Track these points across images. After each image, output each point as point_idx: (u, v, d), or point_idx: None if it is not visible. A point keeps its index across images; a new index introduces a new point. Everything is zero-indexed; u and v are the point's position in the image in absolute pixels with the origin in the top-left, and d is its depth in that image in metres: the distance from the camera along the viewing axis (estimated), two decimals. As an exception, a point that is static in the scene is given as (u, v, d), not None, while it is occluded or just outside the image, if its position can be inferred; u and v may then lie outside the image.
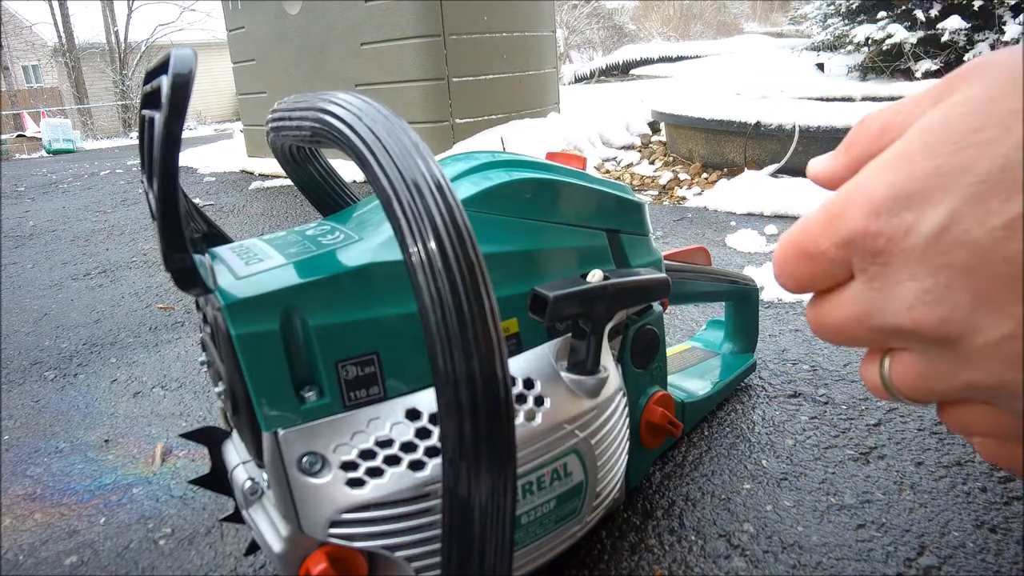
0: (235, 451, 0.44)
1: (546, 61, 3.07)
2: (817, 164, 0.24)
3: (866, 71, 4.47)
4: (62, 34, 13.75)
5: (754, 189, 1.71)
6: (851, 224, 0.20)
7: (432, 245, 0.27)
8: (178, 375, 0.93)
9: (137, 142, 0.42)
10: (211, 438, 0.45)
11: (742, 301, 0.77)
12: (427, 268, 0.27)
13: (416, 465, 0.38)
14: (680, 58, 8.25)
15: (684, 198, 1.93)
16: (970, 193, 0.18)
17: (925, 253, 0.19)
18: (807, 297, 0.96)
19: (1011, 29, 3.55)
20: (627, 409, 0.51)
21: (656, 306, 0.56)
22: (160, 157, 0.29)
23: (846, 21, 4.73)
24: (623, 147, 2.77)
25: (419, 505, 0.38)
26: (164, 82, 0.29)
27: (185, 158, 3.57)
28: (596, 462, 0.46)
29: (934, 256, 0.19)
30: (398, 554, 0.38)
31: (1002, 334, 0.18)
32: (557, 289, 0.41)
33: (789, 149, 1.89)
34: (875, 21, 4.24)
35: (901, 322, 0.20)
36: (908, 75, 4.02)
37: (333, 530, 0.37)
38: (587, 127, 2.75)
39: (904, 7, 4.04)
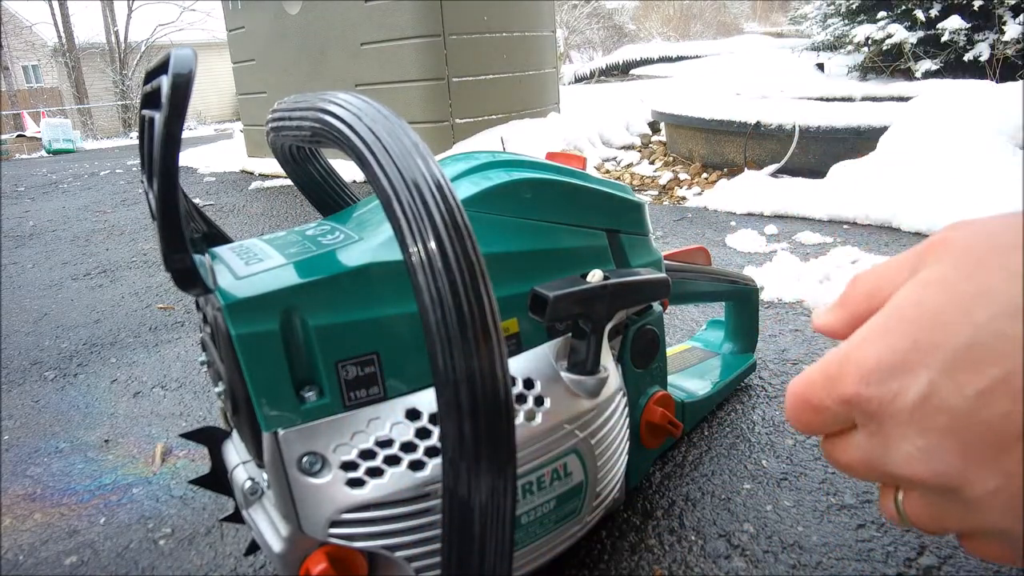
0: (235, 451, 0.44)
1: (546, 61, 3.07)
2: (820, 319, 0.27)
3: (866, 71, 4.47)
4: (62, 34, 13.75)
5: (754, 189, 1.72)
6: (847, 388, 0.23)
7: (432, 245, 0.27)
8: (178, 375, 0.93)
9: (137, 142, 0.42)
10: (211, 438, 0.45)
11: (742, 301, 0.77)
12: (427, 268, 0.27)
13: (416, 465, 0.38)
14: (680, 58, 8.25)
15: (684, 198, 1.93)
16: (943, 367, 0.21)
17: (912, 417, 0.21)
18: (806, 297, 0.96)
19: (1011, 29, 3.55)
20: (627, 409, 0.51)
21: (656, 306, 0.56)
22: (160, 157, 0.29)
23: (846, 21, 4.73)
24: (623, 147, 2.77)
25: (419, 505, 0.38)
26: (164, 82, 0.29)
27: (185, 158, 3.57)
28: (596, 462, 0.46)
29: (920, 420, 0.21)
30: (398, 554, 0.38)
31: (990, 488, 0.21)
32: (557, 289, 0.41)
33: (789, 149, 1.89)
34: (875, 21, 4.24)
35: (902, 473, 0.22)
36: (908, 75, 4.02)
37: (333, 530, 0.37)
38: (587, 127, 2.75)
39: (904, 7, 4.04)
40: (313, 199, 0.53)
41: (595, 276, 0.44)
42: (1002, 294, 0.20)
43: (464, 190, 0.44)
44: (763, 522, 0.55)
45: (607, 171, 2.41)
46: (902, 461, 0.22)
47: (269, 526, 0.39)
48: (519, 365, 0.43)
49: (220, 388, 0.39)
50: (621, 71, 8.05)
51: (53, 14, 13.58)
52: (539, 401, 0.43)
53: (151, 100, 0.33)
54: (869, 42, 4.25)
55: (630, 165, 2.46)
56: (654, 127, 2.96)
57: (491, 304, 0.28)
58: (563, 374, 0.44)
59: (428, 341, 0.27)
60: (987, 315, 0.20)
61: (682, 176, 2.19)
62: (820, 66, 5.19)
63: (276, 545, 0.38)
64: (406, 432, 0.38)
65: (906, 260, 0.24)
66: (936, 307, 0.21)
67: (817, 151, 1.89)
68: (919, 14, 3.88)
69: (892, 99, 2.40)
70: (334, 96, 0.33)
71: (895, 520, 0.25)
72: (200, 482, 0.45)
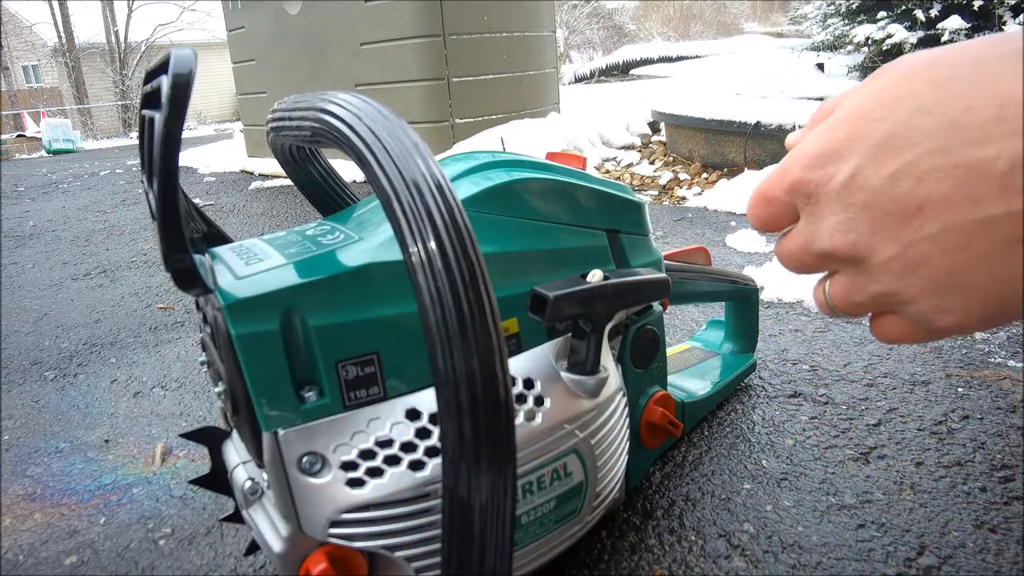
0: (235, 451, 0.44)
1: (546, 61, 3.07)
2: (791, 137, 0.32)
3: (866, 71, 4.47)
4: (62, 34, 13.75)
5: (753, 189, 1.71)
6: (793, 174, 0.28)
7: (432, 245, 0.27)
8: (178, 375, 0.93)
9: (137, 142, 0.42)
10: (211, 438, 0.45)
11: (742, 301, 0.77)
12: (427, 268, 0.27)
13: (416, 465, 0.38)
14: (680, 58, 8.24)
15: (684, 198, 1.93)
16: (868, 153, 0.25)
17: (839, 195, 0.26)
18: (806, 297, 0.96)
19: (1011, 29, 3.55)
20: (627, 409, 0.51)
21: (656, 306, 0.56)
22: (160, 157, 0.29)
23: (846, 21, 4.73)
24: (623, 147, 2.77)
25: (419, 505, 0.38)
26: (164, 82, 0.29)
27: (185, 158, 3.57)
28: (596, 462, 0.46)
29: (845, 197, 0.26)
30: (398, 554, 0.38)
31: (890, 255, 0.25)
32: (557, 289, 0.41)
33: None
34: (875, 21, 4.24)
35: (825, 247, 0.27)
36: (908, 75, 4.01)
37: (333, 530, 0.37)
38: (587, 127, 2.75)
39: (904, 7, 4.04)
40: (313, 199, 0.53)
41: (595, 276, 0.44)
42: (920, 95, 0.24)
43: (464, 190, 0.44)
44: (763, 522, 0.55)
45: (607, 171, 2.41)
46: (827, 234, 0.27)
47: (269, 526, 0.39)
48: (519, 365, 0.43)
49: (220, 388, 0.39)
50: (621, 71, 8.05)
51: (53, 14, 13.59)
52: (539, 401, 0.43)
53: (151, 100, 0.33)
54: (869, 42, 4.24)
55: (630, 165, 2.46)
56: (654, 127, 2.96)
57: (491, 304, 0.28)
58: (563, 374, 0.44)
59: (428, 341, 0.27)
60: (906, 111, 0.24)
61: (682, 176, 2.19)
62: (820, 66, 5.19)
63: (276, 545, 0.38)
64: (406, 432, 0.38)
65: (857, 87, 0.28)
66: (869, 107, 0.26)
67: (817, 151, 1.89)
68: (919, 14, 3.88)
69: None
70: (334, 96, 0.33)
71: (823, 306, 0.30)
72: (200, 482, 0.45)
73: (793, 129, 1.89)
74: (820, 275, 0.30)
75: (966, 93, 0.23)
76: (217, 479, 0.45)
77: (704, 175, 2.16)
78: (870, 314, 0.29)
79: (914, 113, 0.24)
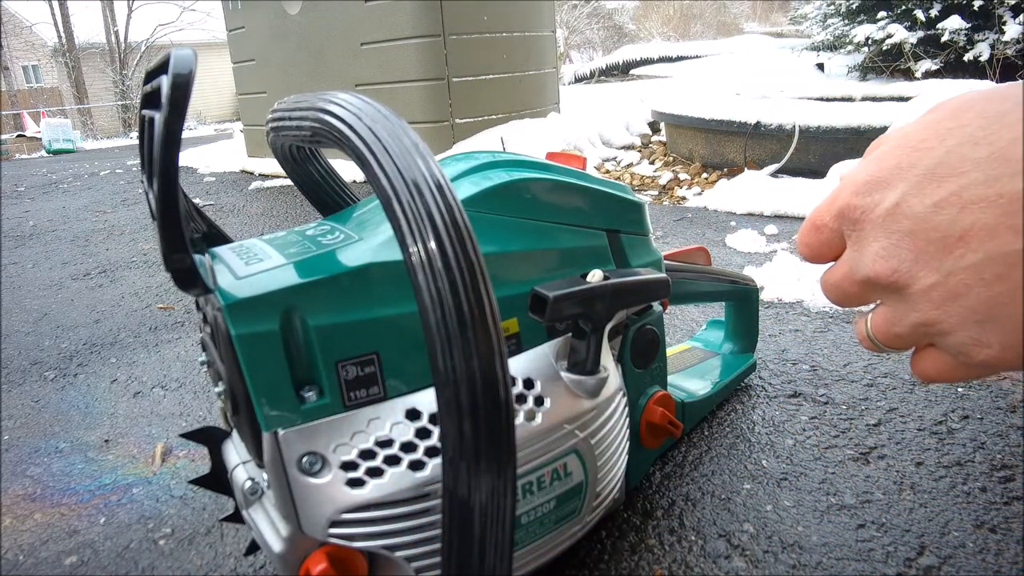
0: (235, 451, 0.44)
1: (546, 61, 3.07)
2: (843, 168, 0.34)
3: (866, 71, 4.47)
4: (62, 34, 13.75)
5: (754, 189, 1.71)
6: (841, 200, 0.28)
7: (432, 245, 0.27)
8: (178, 375, 0.93)
9: (137, 142, 0.42)
10: (211, 438, 0.45)
11: (742, 301, 0.77)
12: (427, 268, 0.27)
13: (416, 465, 0.38)
14: (680, 58, 8.24)
15: (684, 198, 1.93)
16: (915, 181, 0.26)
17: (884, 221, 0.26)
18: (806, 297, 0.96)
19: (1011, 29, 3.55)
20: (627, 409, 0.51)
21: (656, 306, 0.56)
22: (160, 157, 0.29)
23: (846, 21, 4.73)
24: (623, 147, 2.77)
25: (419, 505, 0.38)
26: (164, 82, 0.29)
27: (185, 158, 3.57)
28: (596, 462, 0.46)
29: (889, 224, 0.26)
30: (398, 554, 0.38)
31: (930, 283, 0.25)
32: (557, 289, 0.41)
33: (789, 149, 1.89)
34: (875, 21, 4.24)
35: (868, 273, 0.27)
36: (908, 75, 4.02)
37: (333, 530, 0.37)
38: (587, 127, 2.75)
39: (904, 7, 4.04)
40: (313, 199, 0.53)
41: (595, 276, 0.44)
42: (971, 127, 0.25)
43: (464, 190, 0.44)
44: (763, 522, 0.55)
45: (607, 171, 2.41)
46: (869, 261, 0.27)
47: (269, 526, 0.39)
48: (519, 365, 0.43)
49: (220, 388, 0.39)
50: (621, 71, 8.04)
51: (53, 14, 13.58)
52: (539, 401, 0.43)
53: (151, 100, 0.33)
54: (869, 42, 4.24)
55: (630, 165, 2.46)
56: (654, 127, 2.96)
57: (491, 304, 0.28)
58: (563, 374, 0.44)
59: (428, 341, 0.27)
60: (955, 141, 0.25)
61: (682, 176, 2.19)
62: (820, 66, 5.19)
63: (276, 545, 0.38)
64: (406, 432, 0.38)
65: (918, 116, 0.29)
66: (920, 137, 0.26)
67: (817, 151, 1.89)
68: (919, 14, 3.88)
69: (892, 99, 2.40)
70: (334, 96, 0.33)
71: (864, 340, 0.30)
72: (200, 482, 0.45)
73: (794, 129, 1.88)
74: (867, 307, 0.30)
75: (1016, 125, 0.23)
76: (217, 479, 0.45)
77: (704, 175, 2.16)
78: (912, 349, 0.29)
79: (963, 143, 0.24)
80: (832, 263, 0.30)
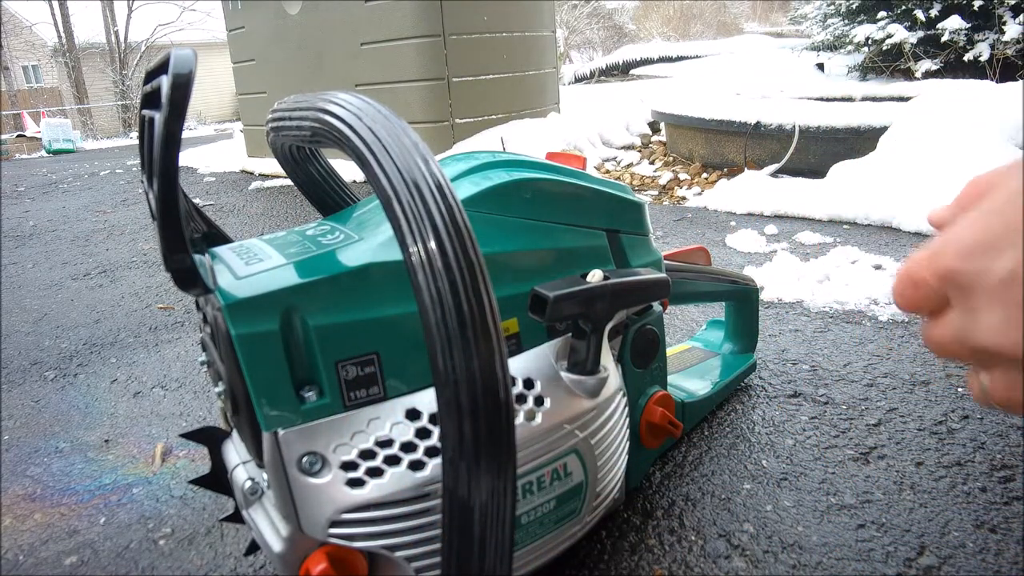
0: (235, 451, 0.44)
1: (546, 61, 3.07)
2: (935, 213, 0.30)
3: (866, 71, 4.47)
4: (62, 34, 13.74)
5: (754, 189, 1.71)
6: (946, 262, 0.26)
7: (432, 245, 0.27)
8: (178, 375, 0.93)
9: (137, 142, 0.42)
10: (211, 438, 0.45)
11: (742, 301, 0.77)
12: (427, 268, 0.27)
13: (416, 465, 0.38)
14: (680, 58, 8.24)
15: (684, 198, 1.93)
16: None
17: (999, 291, 0.24)
18: (806, 297, 0.96)
19: (1011, 29, 3.55)
20: (627, 409, 0.51)
21: (656, 306, 0.56)
22: (160, 157, 0.29)
23: (846, 21, 4.73)
24: (623, 147, 2.77)
25: (419, 505, 0.38)
26: (164, 82, 0.29)
27: (185, 158, 3.57)
28: (596, 462, 0.46)
29: (1005, 293, 0.24)
30: (398, 554, 0.38)
31: None
32: (557, 289, 0.41)
33: (789, 149, 1.89)
34: (875, 21, 4.24)
35: (984, 343, 0.25)
36: (908, 75, 4.02)
37: (333, 530, 0.37)
38: (587, 127, 2.75)
39: (904, 7, 4.03)
40: (313, 199, 0.53)
41: (595, 276, 0.44)
42: None
43: (464, 190, 0.44)
44: (763, 522, 0.55)
45: (607, 171, 2.41)
46: (987, 332, 0.25)
47: (269, 526, 0.39)
48: (519, 365, 0.43)
49: (220, 388, 0.39)
50: (621, 71, 8.04)
51: (53, 14, 13.58)
52: (539, 401, 0.43)
53: (151, 100, 0.33)
54: (869, 42, 4.24)
55: (630, 165, 2.46)
56: (654, 127, 2.96)
57: (491, 304, 0.28)
58: (563, 374, 0.44)
59: (428, 341, 0.27)
60: None
61: (682, 176, 2.19)
62: (820, 66, 5.19)
63: (276, 545, 0.38)
64: (406, 432, 0.38)
65: (1013, 170, 0.27)
66: None
67: (817, 151, 1.89)
68: (919, 14, 3.88)
69: (892, 99, 2.40)
70: (334, 96, 0.33)
71: (979, 398, 0.28)
72: (200, 482, 0.45)
73: (794, 129, 1.88)
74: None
75: None
76: (217, 479, 0.45)
77: (704, 175, 2.16)
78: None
79: None
80: (931, 317, 0.29)
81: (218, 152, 3.81)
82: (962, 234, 0.26)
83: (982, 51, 3.71)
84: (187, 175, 3.12)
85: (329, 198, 0.52)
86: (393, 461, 0.38)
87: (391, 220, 0.28)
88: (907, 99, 2.09)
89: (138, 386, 0.91)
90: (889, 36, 4.04)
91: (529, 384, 0.43)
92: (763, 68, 5.71)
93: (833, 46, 5.03)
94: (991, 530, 0.52)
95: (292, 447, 0.36)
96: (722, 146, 2.16)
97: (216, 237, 0.46)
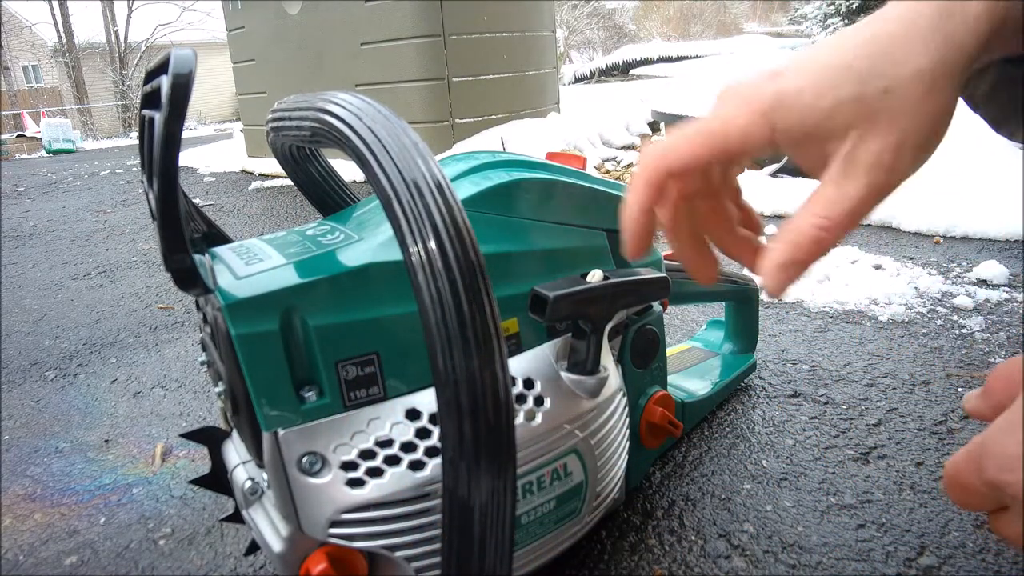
0: (235, 451, 0.44)
1: (546, 61, 3.07)
2: (969, 403, 0.32)
3: (866, 71, 4.47)
4: (62, 34, 13.75)
5: (754, 189, 1.71)
6: (988, 474, 0.27)
7: (432, 245, 0.27)
8: (178, 375, 0.93)
9: (137, 142, 0.42)
10: (211, 438, 0.45)
11: (742, 301, 0.77)
12: (427, 268, 0.27)
13: (416, 465, 0.38)
14: (680, 58, 8.24)
15: (684, 198, 1.93)
16: None
17: None
18: (806, 297, 0.96)
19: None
20: (627, 409, 0.51)
21: (656, 306, 0.56)
22: (160, 157, 0.29)
23: (846, 21, 4.73)
24: (623, 147, 2.77)
25: (419, 505, 0.38)
26: (164, 82, 0.29)
27: (185, 158, 3.57)
28: (596, 462, 0.46)
29: None
30: (398, 554, 0.38)
31: None
32: (557, 289, 0.41)
33: (789, 149, 1.89)
34: (875, 21, 4.24)
35: None
36: (908, 75, 4.01)
37: (333, 530, 0.37)
38: (587, 127, 2.75)
39: (904, 7, 4.03)
40: (313, 199, 0.53)
41: (595, 276, 0.44)
42: None
43: (464, 190, 0.44)
44: (763, 522, 0.55)
45: (607, 171, 2.41)
46: None
47: (269, 526, 0.39)
48: (519, 365, 0.43)
49: (220, 388, 0.39)
50: (621, 71, 8.04)
51: (53, 14, 13.58)
52: (539, 401, 0.43)
53: (151, 100, 0.33)
54: (869, 42, 4.24)
55: (630, 165, 2.46)
56: (654, 127, 2.96)
57: (491, 304, 0.28)
58: (563, 374, 0.44)
59: (428, 341, 0.27)
60: None
61: (682, 176, 2.18)
62: (820, 66, 5.19)
63: (276, 545, 0.38)
64: (406, 432, 0.38)
65: None
66: None
67: (817, 151, 1.89)
68: (919, 14, 3.87)
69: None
70: (334, 96, 0.33)
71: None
72: (200, 482, 0.45)
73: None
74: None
75: None
76: (217, 479, 0.45)
77: (704, 175, 2.15)
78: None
79: None
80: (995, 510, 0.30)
81: (218, 152, 3.81)
82: (1000, 445, 0.27)
83: (982, 51, 3.71)
84: (187, 175, 3.12)
85: (329, 198, 0.52)
86: (393, 461, 0.38)
87: (391, 220, 0.28)
88: (907, 99, 2.08)
89: (138, 386, 0.91)
90: (889, 36, 4.03)
91: (529, 384, 0.43)
92: (763, 68, 5.70)
93: (833, 46, 5.03)
94: (991, 530, 0.52)
95: (292, 447, 0.36)
96: (722, 146, 2.16)
97: (216, 237, 0.46)
